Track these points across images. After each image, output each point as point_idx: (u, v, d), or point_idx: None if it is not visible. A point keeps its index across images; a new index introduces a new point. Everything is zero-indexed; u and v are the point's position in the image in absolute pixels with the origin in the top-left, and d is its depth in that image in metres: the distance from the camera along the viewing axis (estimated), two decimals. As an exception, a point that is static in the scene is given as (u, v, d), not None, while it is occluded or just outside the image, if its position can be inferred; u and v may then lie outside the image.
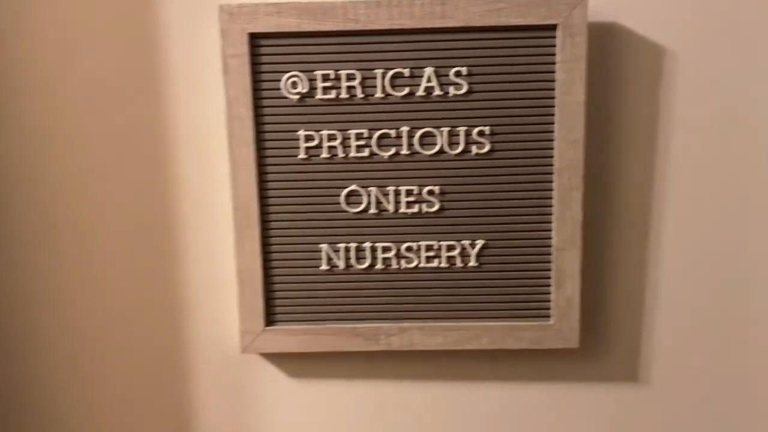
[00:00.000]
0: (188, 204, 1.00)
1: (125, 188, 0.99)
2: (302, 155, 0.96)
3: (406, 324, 1.00)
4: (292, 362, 1.04)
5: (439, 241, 0.98)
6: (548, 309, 0.99)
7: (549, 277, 0.98)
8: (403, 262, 0.99)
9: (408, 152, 0.96)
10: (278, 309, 1.00)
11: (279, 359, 1.04)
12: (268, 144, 0.96)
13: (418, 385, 1.05)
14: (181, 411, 1.05)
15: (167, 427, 1.05)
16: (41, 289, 1.01)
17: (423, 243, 0.98)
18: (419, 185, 0.97)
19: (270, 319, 1.00)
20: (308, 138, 0.96)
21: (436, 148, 0.96)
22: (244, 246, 0.97)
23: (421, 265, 0.99)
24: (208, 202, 1.00)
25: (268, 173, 0.96)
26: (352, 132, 0.95)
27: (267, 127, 0.95)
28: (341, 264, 0.99)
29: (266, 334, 1.00)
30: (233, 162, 0.95)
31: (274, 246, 0.98)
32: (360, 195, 0.97)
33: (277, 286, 0.99)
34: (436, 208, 0.97)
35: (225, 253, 1.00)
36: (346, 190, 0.97)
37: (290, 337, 1.00)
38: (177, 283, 1.01)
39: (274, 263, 0.99)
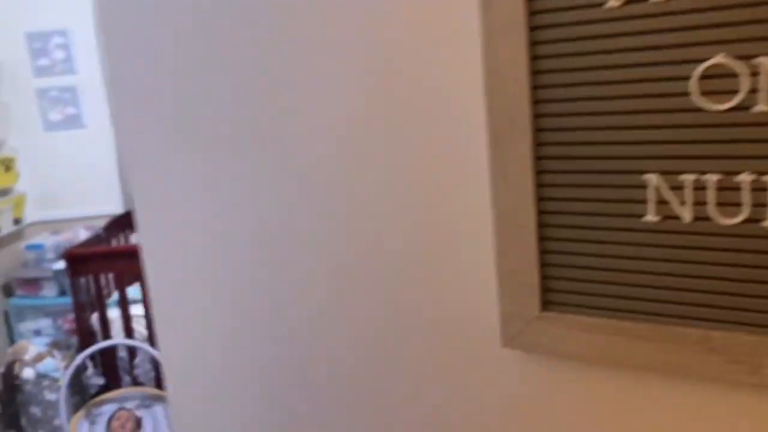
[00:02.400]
0: (412, 94, 0.62)
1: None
2: (612, 1, 0.50)
3: (823, 345, 0.48)
4: (581, 370, 0.61)
5: None
6: None
7: None
8: (826, 216, 0.47)
9: None
10: (562, 284, 0.58)
11: (561, 363, 0.61)
12: (550, -12, 0.52)
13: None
14: (414, 427, 0.71)
15: None
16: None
17: None
18: None
19: (548, 299, 0.59)
20: (626, -34, 0.49)
21: None
22: (505, 173, 0.57)
23: None
24: (442, 91, 0.61)
25: (543, 42, 0.53)
26: (722, -60, 0.45)
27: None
28: (686, 213, 0.51)
29: (542, 323, 0.59)
30: (488, 26, 0.54)
31: (554, 175, 0.56)
32: (731, 75, 0.47)
33: (559, 246, 0.57)
34: None
35: (473, 183, 0.61)
36: (701, 67, 0.48)
37: (580, 333, 0.57)
38: (398, 228, 0.66)
39: (555, 204, 0.56)
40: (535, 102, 0.54)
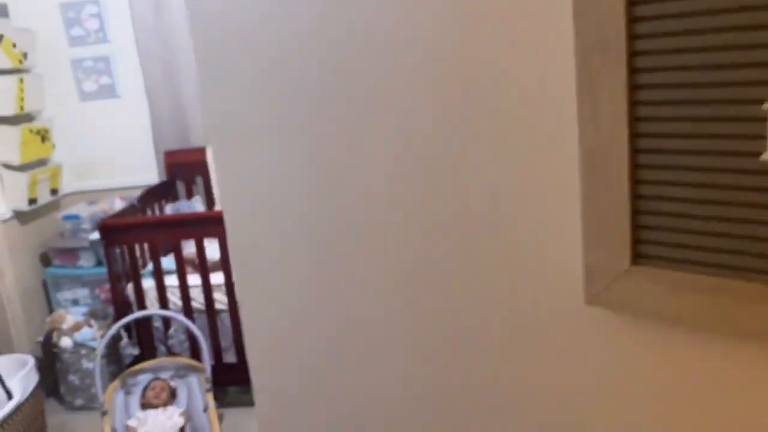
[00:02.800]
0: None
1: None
2: None
3: None
4: (675, 333, 0.53)
5: None
6: None
7: None
8: None
9: None
10: (656, 234, 0.51)
11: (651, 325, 0.54)
12: None
13: None
14: (481, 390, 0.65)
15: (463, 410, 0.67)
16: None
17: None
18: None
19: (640, 251, 0.52)
20: None
21: None
22: (595, 105, 0.50)
23: None
24: (525, 12, 0.53)
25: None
26: None
27: None
28: (813, 148, 0.44)
29: (632, 278, 0.52)
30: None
31: (651, 107, 0.48)
32: None
33: (655, 190, 0.50)
34: None
35: (557, 118, 0.54)
36: None
37: (676, 291, 0.50)
38: (476, 173, 0.59)
39: (652, 141, 0.49)
40: (632, 20, 0.47)
